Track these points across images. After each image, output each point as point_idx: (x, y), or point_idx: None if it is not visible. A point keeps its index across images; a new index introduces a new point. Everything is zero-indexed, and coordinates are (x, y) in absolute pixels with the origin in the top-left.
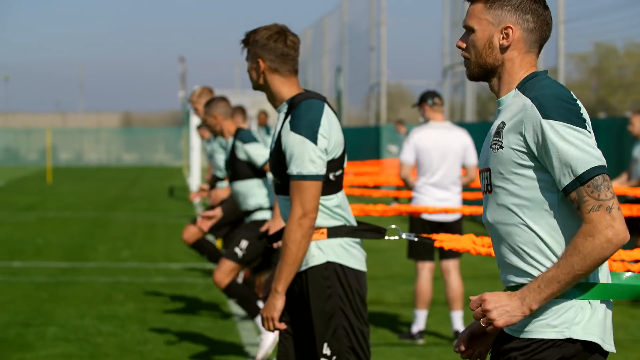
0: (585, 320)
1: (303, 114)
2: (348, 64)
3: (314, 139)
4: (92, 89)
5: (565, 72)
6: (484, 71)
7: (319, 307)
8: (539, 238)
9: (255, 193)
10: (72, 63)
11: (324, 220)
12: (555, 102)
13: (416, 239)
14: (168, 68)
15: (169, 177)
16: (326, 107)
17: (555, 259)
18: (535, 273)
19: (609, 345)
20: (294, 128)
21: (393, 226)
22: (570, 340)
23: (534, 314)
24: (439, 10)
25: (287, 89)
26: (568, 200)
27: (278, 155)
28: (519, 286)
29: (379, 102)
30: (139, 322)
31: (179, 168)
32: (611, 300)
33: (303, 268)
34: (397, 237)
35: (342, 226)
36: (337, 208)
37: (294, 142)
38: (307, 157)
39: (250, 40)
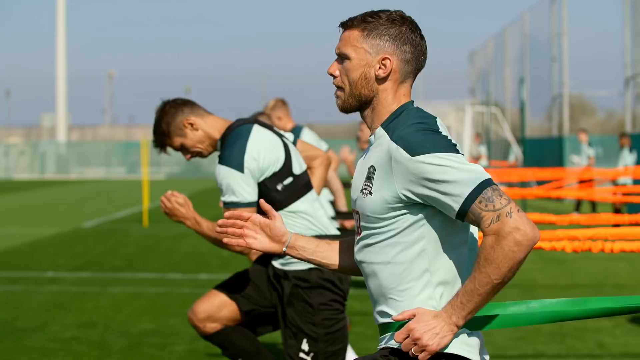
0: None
1: (228, 145)
2: (530, 75)
3: (240, 168)
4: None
5: None
6: (359, 102)
7: (302, 305)
8: (412, 272)
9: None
10: (252, 74)
11: (297, 229)
12: (420, 136)
13: None
14: None
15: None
16: (254, 128)
17: (437, 293)
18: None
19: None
20: (221, 160)
21: None
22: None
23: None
24: (620, 20)
25: (216, 128)
26: (466, 221)
27: None
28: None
29: (561, 113)
30: None
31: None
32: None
33: (286, 268)
34: None
35: (318, 236)
36: (301, 213)
37: (223, 174)
38: (237, 186)
39: (169, 121)
